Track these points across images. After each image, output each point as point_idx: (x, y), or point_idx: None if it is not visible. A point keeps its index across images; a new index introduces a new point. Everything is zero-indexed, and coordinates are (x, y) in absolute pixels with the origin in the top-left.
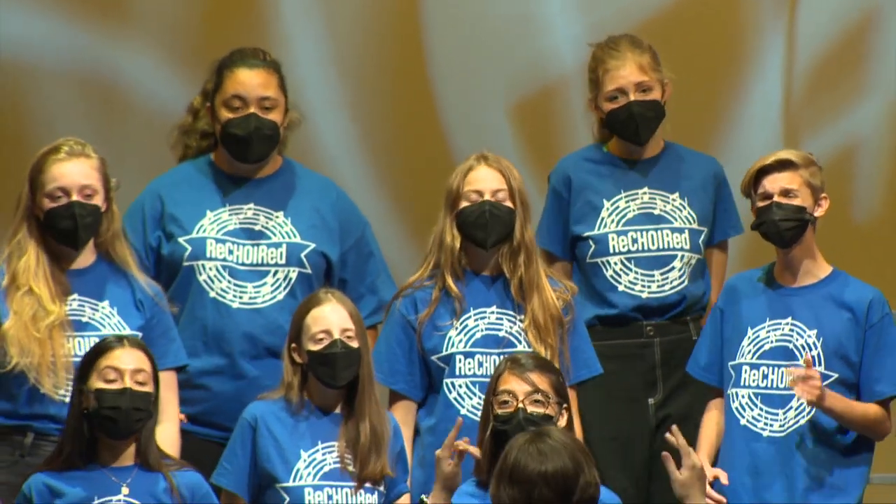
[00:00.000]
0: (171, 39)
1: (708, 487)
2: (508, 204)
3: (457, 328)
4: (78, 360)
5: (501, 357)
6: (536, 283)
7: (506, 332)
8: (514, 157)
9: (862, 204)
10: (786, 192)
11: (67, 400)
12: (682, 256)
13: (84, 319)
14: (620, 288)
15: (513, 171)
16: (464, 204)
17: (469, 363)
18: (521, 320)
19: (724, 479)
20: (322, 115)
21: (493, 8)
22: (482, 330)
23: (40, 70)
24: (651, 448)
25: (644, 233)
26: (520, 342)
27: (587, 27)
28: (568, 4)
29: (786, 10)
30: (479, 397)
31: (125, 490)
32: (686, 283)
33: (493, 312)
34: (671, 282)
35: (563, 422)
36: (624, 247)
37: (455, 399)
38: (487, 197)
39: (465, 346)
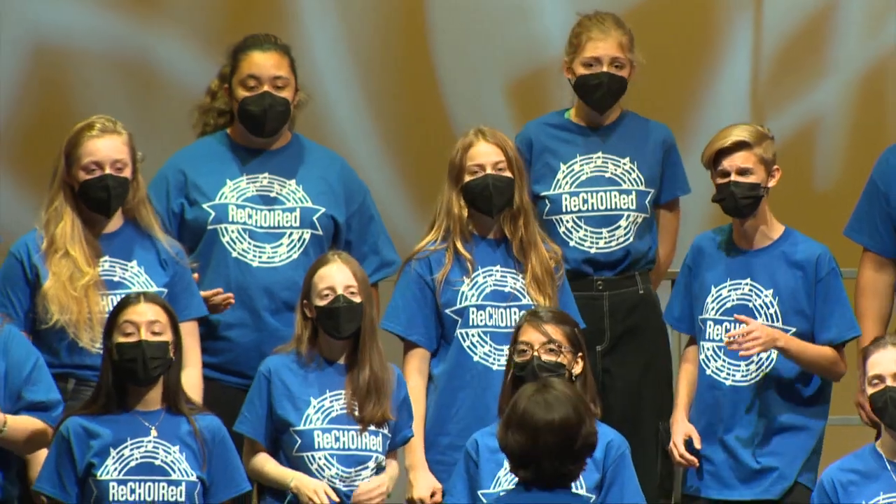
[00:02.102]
0: (202, 27)
1: (682, 447)
2: (508, 174)
3: (469, 284)
4: None
5: (508, 309)
6: (534, 242)
7: (511, 287)
8: (509, 130)
9: (822, 175)
10: (742, 171)
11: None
12: (629, 216)
13: (115, 279)
14: (571, 244)
15: (508, 143)
16: (468, 178)
17: (481, 315)
18: (522, 277)
19: (697, 443)
20: (336, 96)
21: None
22: (491, 286)
23: (84, 55)
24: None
25: (594, 194)
26: (524, 296)
27: (575, 13)
28: None
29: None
30: (491, 345)
31: (154, 432)
32: (631, 239)
33: (498, 271)
34: (617, 238)
35: (577, 369)
36: (575, 206)
37: (469, 347)
38: (489, 170)
39: (477, 300)
